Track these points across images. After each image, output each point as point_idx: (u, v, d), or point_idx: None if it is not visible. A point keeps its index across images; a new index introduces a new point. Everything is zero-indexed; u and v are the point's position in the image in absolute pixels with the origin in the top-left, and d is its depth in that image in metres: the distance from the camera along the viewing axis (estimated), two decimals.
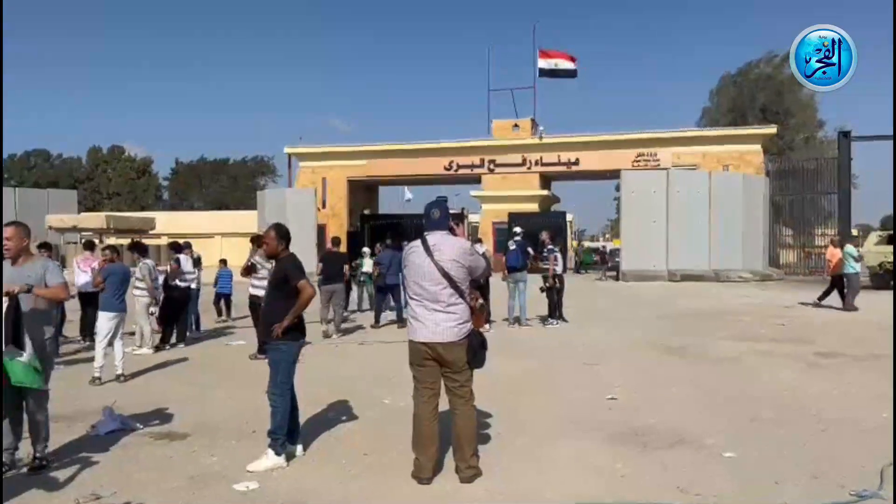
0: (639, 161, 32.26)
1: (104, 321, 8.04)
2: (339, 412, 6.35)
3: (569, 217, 40.58)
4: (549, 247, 13.49)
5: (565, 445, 5.28)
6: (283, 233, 5.16)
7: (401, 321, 12.56)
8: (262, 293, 9.70)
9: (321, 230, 29.93)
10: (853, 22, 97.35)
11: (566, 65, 34.98)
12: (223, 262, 15.06)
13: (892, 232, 23.46)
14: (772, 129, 34.07)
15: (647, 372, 8.37)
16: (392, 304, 13.66)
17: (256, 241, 9.99)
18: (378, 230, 30.50)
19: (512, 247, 13.52)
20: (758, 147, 32.36)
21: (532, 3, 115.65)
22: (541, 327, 12.86)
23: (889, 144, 33.93)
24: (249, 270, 9.68)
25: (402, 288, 14.31)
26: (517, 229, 14.42)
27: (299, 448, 5.07)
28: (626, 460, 4.91)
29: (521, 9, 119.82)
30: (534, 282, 13.43)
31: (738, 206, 26.36)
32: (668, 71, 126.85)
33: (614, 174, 29.75)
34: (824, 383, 7.61)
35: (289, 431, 4.99)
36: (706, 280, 24.45)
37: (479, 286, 12.36)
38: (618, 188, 30.04)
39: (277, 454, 4.88)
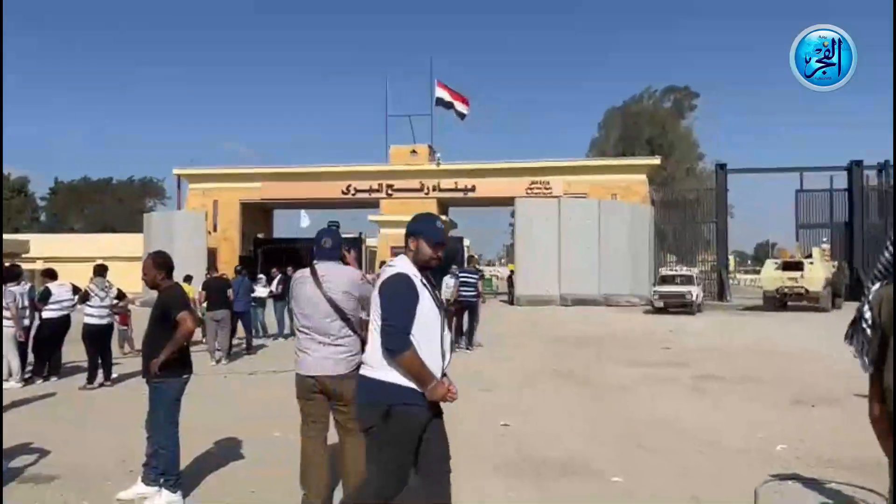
0: (532, 189, 33.18)
1: None
2: (225, 447, 6.08)
3: (466, 242, 41.08)
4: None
5: (457, 476, 5.22)
6: (161, 262, 4.89)
7: (249, 349, 13.33)
8: (95, 321, 9.41)
9: (212, 254, 28.95)
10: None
11: (460, 106, 35.81)
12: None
13: (787, 259, 25.63)
14: (656, 161, 35.92)
15: (539, 398, 8.50)
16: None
17: (98, 269, 9.75)
18: (272, 254, 29.82)
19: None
20: (643, 177, 34.00)
21: (430, 35, 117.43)
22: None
23: (760, 177, 36.49)
24: (84, 297, 9.48)
25: (252, 315, 14.50)
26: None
27: (178, 495, 4.76)
28: (517, 490, 4.94)
29: (419, 39, 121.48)
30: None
31: (626, 233, 27.56)
32: (559, 102, 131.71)
33: (509, 201, 30.49)
34: (704, 407, 7.97)
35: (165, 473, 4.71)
36: (596, 304, 25.33)
37: None
38: (513, 215, 30.74)
39: (173, 492, 4.63)
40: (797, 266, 24.24)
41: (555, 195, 31.64)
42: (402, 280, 3.25)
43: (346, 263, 4.49)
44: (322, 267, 4.36)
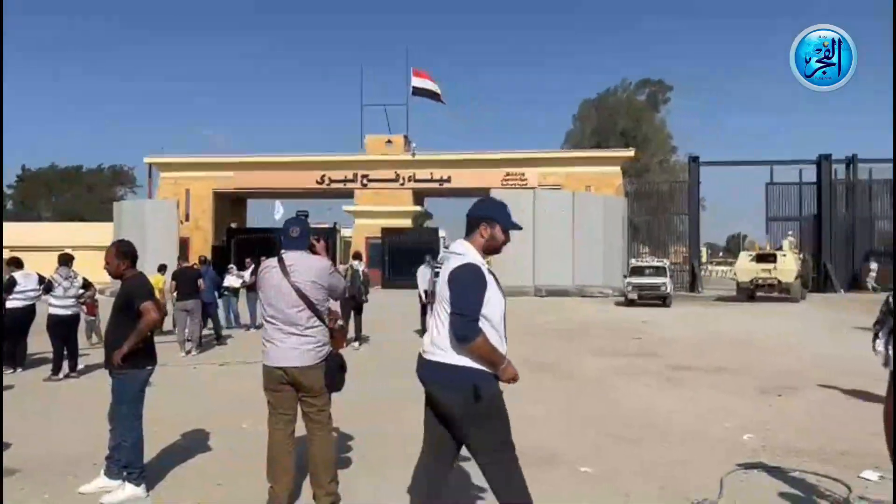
0: (507, 180, 33.21)
1: None
2: (193, 440, 5.99)
3: (441, 233, 41.14)
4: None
5: None
6: (124, 250, 4.79)
7: (219, 339, 13.11)
8: (59, 311, 9.27)
9: (184, 244, 28.63)
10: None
11: (435, 88, 35.62)
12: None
13: (760, 251, 26.59)
14: (630, 153, 36.12)
15: (514, 388, 8.49)
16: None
17: (63, 258, 9.57)
18: (246, 244, 29.57)
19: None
20: (617, 169, 34.19)
21: (405, 25, 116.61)
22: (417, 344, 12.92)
23: (732, 170, 36.91)
24: (48, 288, 9.35)
25: (224, 305, 14.73)
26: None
27: (142, 488, 4.67)
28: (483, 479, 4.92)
29: (395, 30, 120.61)
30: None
31: (599, 225, 27.72)
32: (535, 92, 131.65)
33: (484, 192, 30.47)
34: (675, 397, 8.03)
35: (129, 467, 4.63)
36: (570, 295, 25.48)
37: (356, 305, 12.35)
38: None
39: (136, 485, 4.55)
40: (771, 258, 25.11)
41: (530, 186, 31.72)
42: (471, 269, 3.30)
43: (316, 253, 4.43)
44: (290, 256, 4.31)
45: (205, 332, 12.91)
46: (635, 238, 34.43)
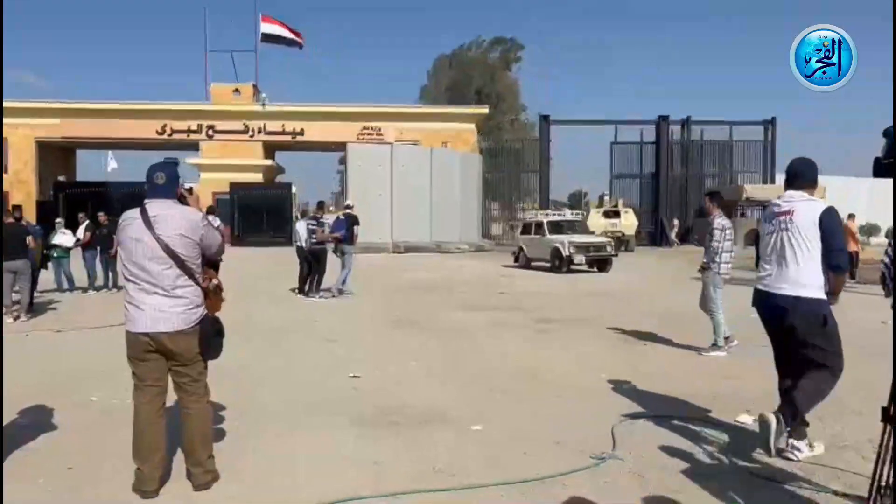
0: (364, 135, 32.54)
1: None
2: (34, 417, 5.22)
3: (294, 189, 39.83)
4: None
5: (314, 434, 4.87)
6: None
7: (29, 311, 10.72)
8: None
9: (2, 199, 25.71)
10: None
11: (292, 36, 34.05)
12: None
13: (610, 208, 29.55)
14: (484, 110, 36.51)
15: (386, 347, 8.27)
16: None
17: None
18: (77, 199, 27.10)
19: (341, 218, 13.71)
20: (472, 126, 34.49)
21: None
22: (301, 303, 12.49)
23: (579, 128, 38.42)
24: None
25: (55, 266, 13.52)
26: (350, 202, 14.71)
27: None
28: (378, 445, 4.65)
29: None
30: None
31: (456, 181, 27.94)
32: (390, 47, 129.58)
33: (340, 146, 29.75)
34: (547, 350, 8.12)
35: None
36: (428, 251, 25.55)
37: (212, 263, 11.58)
38: (341, 161, 30.06)
39: None
40: (616, 214, 28.39)
41: (387, 142, 31.26)
42: (836, 212, 4.18)
43: (186, 204, 3.88)
44: (154, 206, 3.73)
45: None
46: (487, 194, 35.10)
